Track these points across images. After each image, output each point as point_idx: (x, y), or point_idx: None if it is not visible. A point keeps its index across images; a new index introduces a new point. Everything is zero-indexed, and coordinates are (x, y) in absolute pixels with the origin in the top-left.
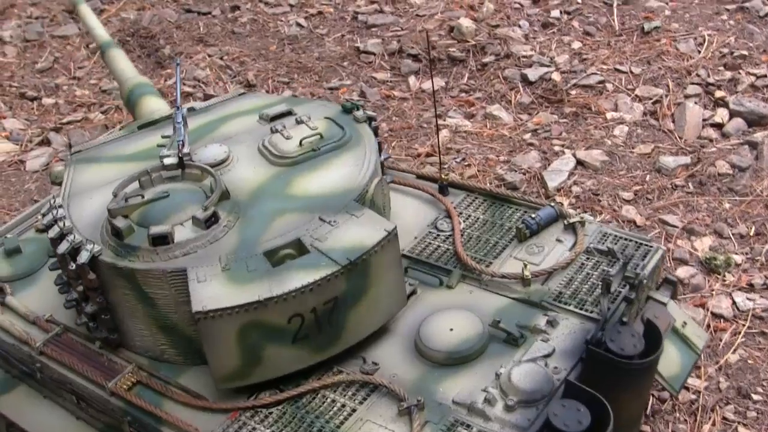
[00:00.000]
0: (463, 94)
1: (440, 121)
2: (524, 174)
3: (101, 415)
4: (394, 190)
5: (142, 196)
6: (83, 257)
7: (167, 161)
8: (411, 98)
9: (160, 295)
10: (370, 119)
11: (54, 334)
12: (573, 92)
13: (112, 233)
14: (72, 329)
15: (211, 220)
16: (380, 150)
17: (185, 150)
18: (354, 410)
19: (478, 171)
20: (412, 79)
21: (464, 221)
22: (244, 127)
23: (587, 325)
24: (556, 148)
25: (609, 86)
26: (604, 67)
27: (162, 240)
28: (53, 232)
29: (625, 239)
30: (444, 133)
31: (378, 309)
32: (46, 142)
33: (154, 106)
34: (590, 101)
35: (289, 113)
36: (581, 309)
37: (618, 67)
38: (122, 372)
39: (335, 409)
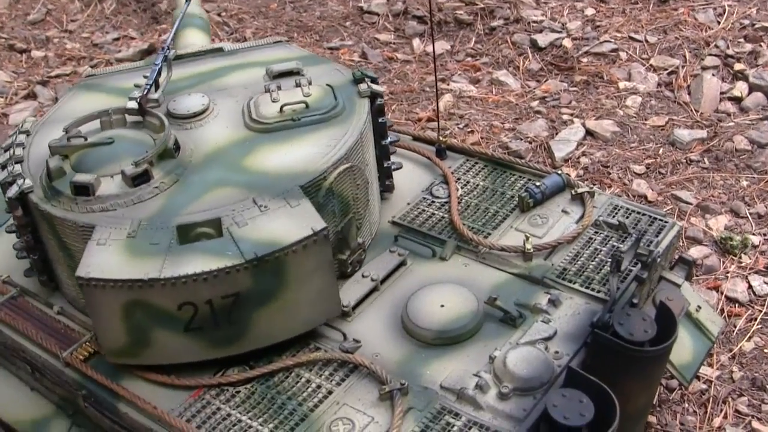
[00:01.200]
0: (469, 59)
1: (443, 86)
2: (530, 143)
3: (56, 387)
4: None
5: (85, 138)
6: (12, 191)
7: (129, 104)
8: (414, 61)
9: (76, 248)
10: (375, 95)
11: (9, 297)
12: (584, 60)
13: (46, 172)
14: (30, 292)
15: (142, 178)
16: (384, 132)
17: (155, 95)
18: (330, 392)
19: (482, 138)
20: (416, 42)
21: (462, 187)
22: (248, 80)
23: (593, 306)
24: (565, 117)
25: (622, 55)
26: (618, 35)
27: (84, 190)
28: (2, 176)
29: (638, 213)
30: (447, 98)
31: (295, 316)
32: (32, 96)
33: (192, 39)
34: (602, 70)
35: (296, 73)
36: (587, 288)
37: (633, 35)
38: (79, 341)
39: (310, 390)
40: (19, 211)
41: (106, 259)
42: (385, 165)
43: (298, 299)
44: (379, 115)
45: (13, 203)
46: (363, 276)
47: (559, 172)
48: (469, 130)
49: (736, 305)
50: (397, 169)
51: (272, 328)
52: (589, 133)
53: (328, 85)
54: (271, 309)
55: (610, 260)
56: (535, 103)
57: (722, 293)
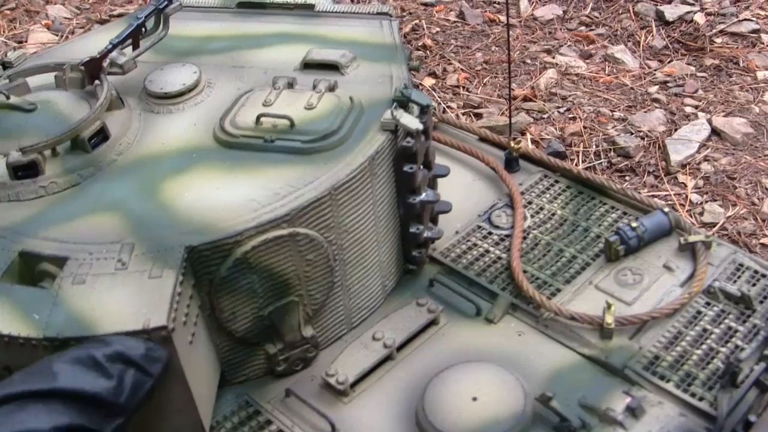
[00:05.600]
0: (583, 28)
1: (548, 58)
2: (642, 138)
3: None
4: (445, 155)
5: (7, 97)
6: None
7: (79, 61)
8: (519, 26)
9: None
10: (408, 133)
11: None
12: (718, 40)
13: None
14: None
15: (27, 171)
16: (413, 183)
17: (122, 60)
18: None
19: (584, 128)
20: (524, 3)
21: (533, 216)
22: (281, 61)
23: (690, 423)
24: (688, 110)
25: (765, 38)
26: (762, 13)
27: None
28: None
29: None
30: (550, 74)
31: (130, 426)
32: None
33: None
34: (738, 54)
35: (335, 67)
36: (685, 391)
37: None
38: None
39: None
40: None
41: None
42: (413, 230)
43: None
44: (406, 160)
45: None
46: (374, 338)
47: (666, 209)
48: (571, 116)
49: None
50: (443, 176)
51: None
52: (715, 132)
53: (351, 98)
54: None
55: (722, 353)
56: (653, 89)
57: None
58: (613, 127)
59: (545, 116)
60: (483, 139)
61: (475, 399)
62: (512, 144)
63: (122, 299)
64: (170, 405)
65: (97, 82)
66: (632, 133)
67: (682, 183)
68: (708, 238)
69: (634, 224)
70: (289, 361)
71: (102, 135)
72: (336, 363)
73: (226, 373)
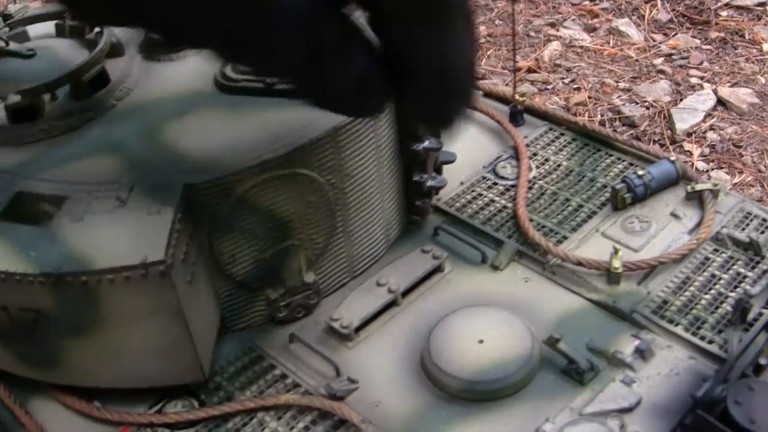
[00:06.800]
0: (587, 2)
1: (552, 31)
2: (647, 108)
3: None
4: None
5: (7, 42)
6: None
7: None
8: (522, 0)
9: None
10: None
11: None
12: (723, 13)
13: None
14: None
15: (26, 115)
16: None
17: None
18: None
19: (589, 98)
20: None
21: (538, 167)
22: None
23: (700, 365)
24: (693, 80)
25: None
26: None
27: None
28: None
29: None
30: (554, 46)
31: (125, 364)
32: None
33: None
34: (744, 26)
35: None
36: (695, 335)
37: None
38: None
39: None
40: None
41: None
42: (416, 178)
43: (125, 345)
44: None
45: None
46: (378, 284)
47: (672, 158)
48: (576, 86)
49: None
50: (450, 162)
51: (93, 368)
52: (721, 102)
53: None
54: (84, 344)
55: (731, 298)
56: (658, 61)
57: None
58: (618, 97)
59: (549, 87)
60: (487, 95)
61: (481, 341)
62: (517, 97)
63: (120, 235)
64: (169, 346)
65: (97, 29)
66: (637, 103)
67: (688, 151)
68: (716, 186)
69: (640, 172)
70: (291, 307)
71: (102, 80)
72: (340, 308)
73: (227, 320)
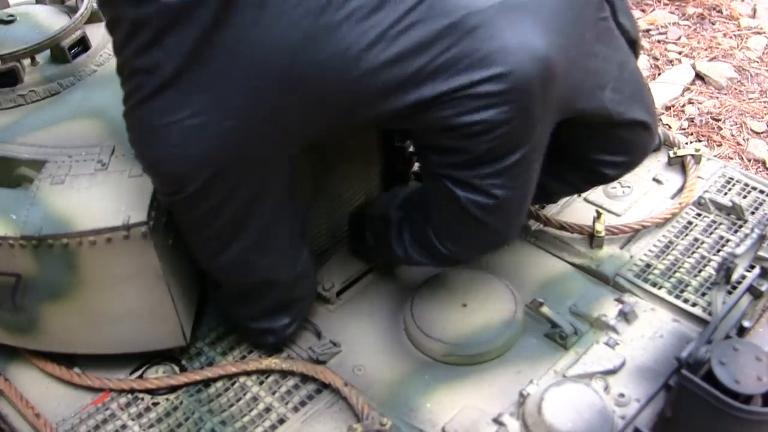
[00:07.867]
0: None
1: None
2: None
3: None
4: None
5: None
6: None
7: None
8: None
9: None
10: None
11: None
12: None
13: None
14: None
15: (6, 79)
16: None
17: None
18: (282, 420)
19: None
20: None
21: None
22: None
23: (684, 327)
24: (672, 56)
25: None
26: None
27: None
28: None
29: (762, 192)
30: None
31: (106, 328)
32: None
33: None
34: (721, 2)
35: None
36: (678, 297)
37: None
38: None
39: (255, 412)
40: None
41: None
42: (398, 144)
43: (106, 309)
44: None
45: None
46: None
47: None
48: None
49: None
50: None
51: (74, 333)
52: (699, 77)
53: None
54: (65, 309)
55: (714, 262)
56: None
57: None
58: None
59: None
60: None
61: (464, 305)
62: None
63: (102, 197)
64: (150, 309)
65: None
66: None
67: (667, 125)
68: (698, 151)
69: None
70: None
71: (82, 45)
72: (321, 271)
73: (209, 289)
